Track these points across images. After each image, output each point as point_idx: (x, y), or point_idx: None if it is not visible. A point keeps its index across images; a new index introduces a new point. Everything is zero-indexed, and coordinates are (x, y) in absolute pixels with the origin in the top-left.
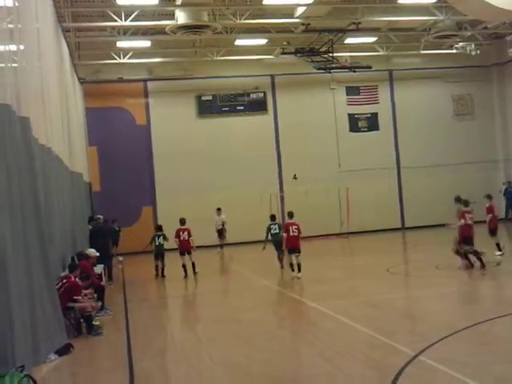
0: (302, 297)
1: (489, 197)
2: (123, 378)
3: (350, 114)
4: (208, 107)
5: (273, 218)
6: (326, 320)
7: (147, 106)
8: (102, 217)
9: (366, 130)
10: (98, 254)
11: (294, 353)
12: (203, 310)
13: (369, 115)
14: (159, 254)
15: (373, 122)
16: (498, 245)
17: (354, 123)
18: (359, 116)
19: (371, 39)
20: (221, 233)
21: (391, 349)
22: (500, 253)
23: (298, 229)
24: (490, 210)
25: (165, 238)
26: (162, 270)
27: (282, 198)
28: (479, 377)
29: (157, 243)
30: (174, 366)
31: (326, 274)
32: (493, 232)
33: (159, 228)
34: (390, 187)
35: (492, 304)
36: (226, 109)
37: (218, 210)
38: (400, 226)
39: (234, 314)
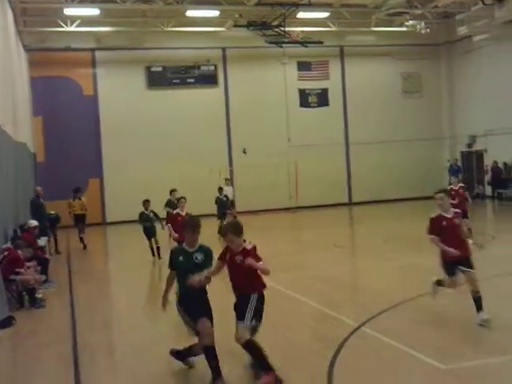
0: None
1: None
2: (66, 351)
3: (300, 89)
4: (158, 79)
5: (220, 190)
6: (273, 294)
7: (95, 76)
8: (40, 188)
9: (316, 105)
10: (37, 224)
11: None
12: (149, 283)
13: (319, 91)
14: (150, 232)
15: (323, 98)
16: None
17: (304, 98)
18: (310, 91)
19: (323, 14)
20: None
21: (336, 321)
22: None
23: None
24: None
25: (155, 216)
26: (158, 249)
27: (232, 172)
28: (419, 347)
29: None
30: (119, 338)
31: (273, 247)
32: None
33: (147, 203)
34: (339, 163)
35: (435, 276)
36: (177, 81)
37: (227, 180)
38: (348, 201)
39: None
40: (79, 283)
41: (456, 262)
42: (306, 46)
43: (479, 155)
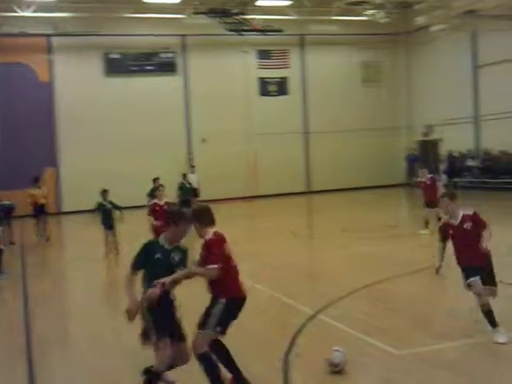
0: None
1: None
2: (19, 343)
3: (260, 78)
4: (116, 66)
5: (184, 176)
6: None
7: (51, 62)
8: None
9: (276, 94)
10: None
11: (197, 315)
12: (106, 274)
13: (279, 79)
14: (108, 224)
15: (283, 87)
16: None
17: (264, 87)
18: (270, 80)
19: (284, 3)
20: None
21: (293, 309)
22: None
23: None
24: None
25: (115, 206)
26: (115, 244)
27: (191, 161)
28: (374, 333)
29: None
30: (74, 330)
31: (231, 236)
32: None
33: (105, 193)
34: (299, 152)
35: (390, 264)
36: (135, 68)
37: (193, 167)
38: (307, 189)
39: None
40: (33, 274)
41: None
42: (267, 35)
43: (435, 144)
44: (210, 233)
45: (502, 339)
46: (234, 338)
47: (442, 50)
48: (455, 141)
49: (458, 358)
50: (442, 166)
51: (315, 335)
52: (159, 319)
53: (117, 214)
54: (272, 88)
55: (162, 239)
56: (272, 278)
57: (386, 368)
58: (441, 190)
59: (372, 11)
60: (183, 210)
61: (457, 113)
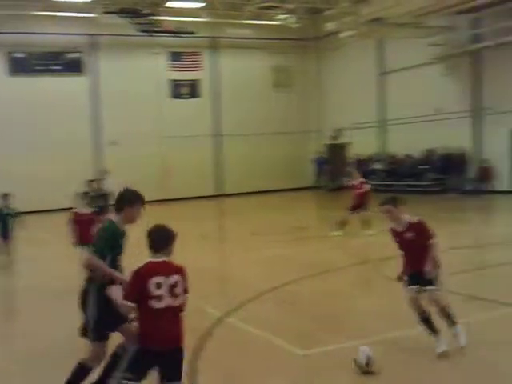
0: None
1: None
2: None
3: (172, 80)
4: (21, 65)
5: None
6: None
7: None
8: None
9: (188, 96)
10: None
11: None
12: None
13: (191, 82)
14: (5, 232)
15: (195, 89)
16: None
17: (176, 89)
18: (182, 82)
19: (196, 5)
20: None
21: (201, 312)
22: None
23: None
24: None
25: (9, 214)
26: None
27: (102, 165)
28: (281, 334)
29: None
30: None
31: (136, 240)
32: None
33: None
34: (211, 154)
35: (298, 266)
36: (42, 68)
37: (105, 171)
38: (219, 193)
39: (47, 281)
40: None
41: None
42: (178, 36)
43: (344, 148)
44: (144, 261)
45: (441, 348)
46: None
47: (351, 56)
48: (363, 144)
49: None
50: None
51: (224, 338)
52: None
53: (15, 220)
54: (184, 90)
55: (116, 222)
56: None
57: (293, 368)
58: (369, 194)
59: (283, 16)
60: (138, 191)
61: (364, 117)
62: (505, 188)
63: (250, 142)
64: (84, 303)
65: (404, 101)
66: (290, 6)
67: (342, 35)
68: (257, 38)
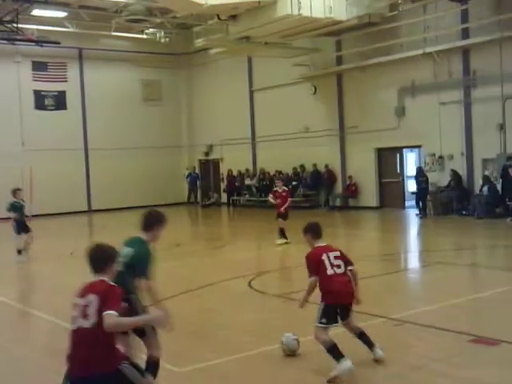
0: None
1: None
2: None
3: (35, 90)
4: None
5: None
6: (3, 310)
7: None
8: None
9: (53, 108)
10: None
11: None
12: None
13: (56, 93)
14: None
15: (61, 101)
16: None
17: (40, 100)
18: (46, 93)
19: (61, 14)
20: None
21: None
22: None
23: None
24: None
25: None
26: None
27: None
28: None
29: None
30: None
31: (2, 258)
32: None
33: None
34: (78, 169)
35: (175, 282)
36: None
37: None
38: (87, 208)
39: None
40: None
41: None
42: (42, 46)
43: (216, 163)
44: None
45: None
46: (2, 369)
47: (222, 72)
48: (235, 160)
49: (238, 370)
50: (223, 185)
51: None
52: None
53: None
54: (49, 101)
55: (147, 241)
56: (49, 302)
57: None
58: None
59: (152, 30)
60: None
61: (236, 133)
62: (369, 204)
63: (122, 156)
64: None
65: (274, 118)
66: (158, 21)
67: (211, 52)
68: (126, 51)
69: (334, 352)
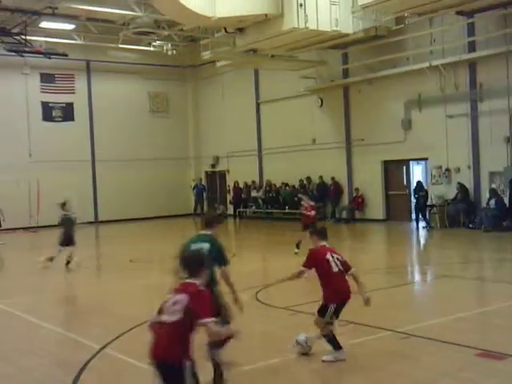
0: None
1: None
2: None
3: (43, 102)
4: None
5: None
6: (6, 319)
7: None
8: None
9: (60, 119)
10: None
11: None
12: None
13: (64, 105)
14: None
15: (68, 112)
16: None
17: (47, 112)
18: (54, 105)
19: (69, 26)
20: None
21: (78, 344)
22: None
23: None
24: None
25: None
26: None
27: None
28: None
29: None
30: None
31: (11, 269)
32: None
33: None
34: (85, 180)
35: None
36: None
37: None
38: (95, 219)
39: None
40: None
41: None
42: (50, 58)
43: (222, 175)
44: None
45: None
46: (10, 380)
47: (229, 84)
48: (241, 172)
49: (244, 383)
50: (229, 197)
51: (101, 371)
52: None
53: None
54: (56, 113)
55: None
56: (56, 313)
57: None
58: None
59: (160, 42)
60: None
61: (243, 146)
62: (376, 216)
63: (128, 168)
64: None
65: (280, 130)
66: (165, 33)
67: (218, 64)
68: (133, 63)
69: (334, 342)
